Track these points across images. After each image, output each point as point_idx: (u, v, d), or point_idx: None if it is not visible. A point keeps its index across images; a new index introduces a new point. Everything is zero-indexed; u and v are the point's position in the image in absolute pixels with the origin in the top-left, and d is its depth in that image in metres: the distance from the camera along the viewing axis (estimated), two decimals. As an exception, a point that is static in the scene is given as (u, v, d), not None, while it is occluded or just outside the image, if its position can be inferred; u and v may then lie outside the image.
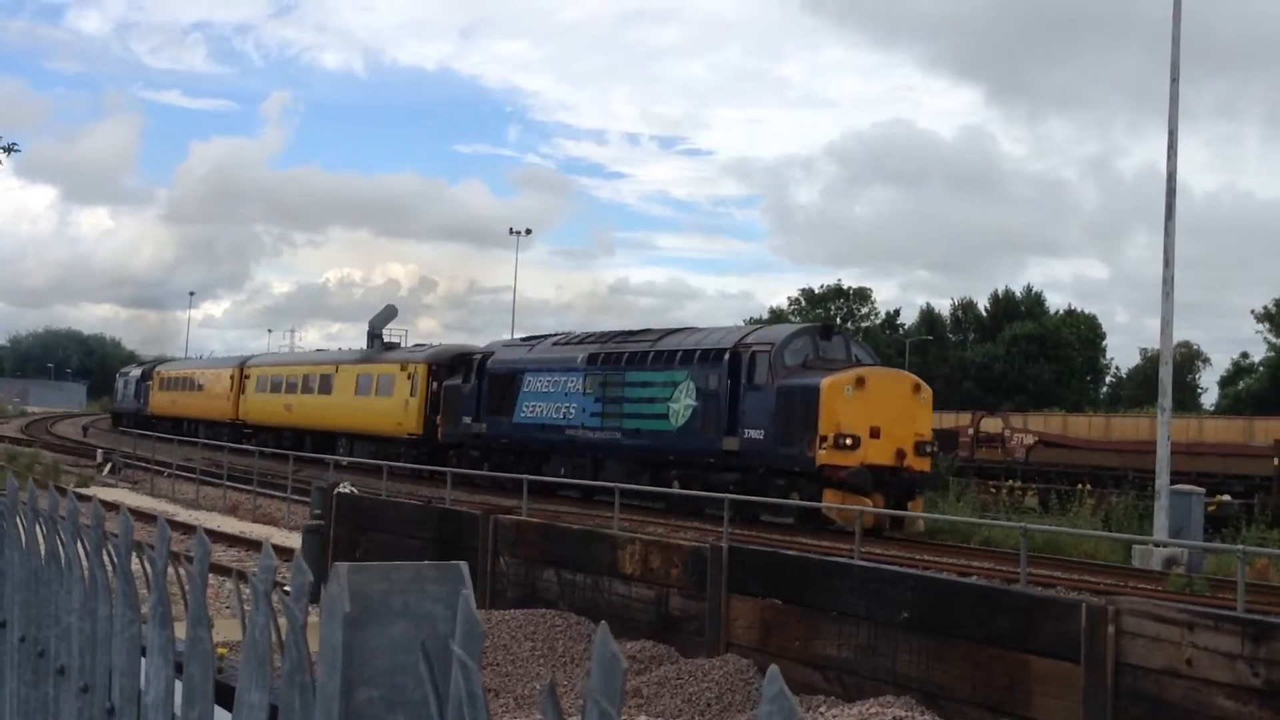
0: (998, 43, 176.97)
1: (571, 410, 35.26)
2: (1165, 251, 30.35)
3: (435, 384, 43.22)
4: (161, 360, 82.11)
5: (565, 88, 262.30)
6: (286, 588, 2.59)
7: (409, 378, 44.57)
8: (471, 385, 39.84)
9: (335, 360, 53.04)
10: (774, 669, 1.39)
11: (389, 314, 58.81)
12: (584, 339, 37.63)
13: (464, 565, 1.91)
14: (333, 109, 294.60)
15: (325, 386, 50.86)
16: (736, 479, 28.98)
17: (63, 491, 3.29)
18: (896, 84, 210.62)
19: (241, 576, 2.66)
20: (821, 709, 10.12)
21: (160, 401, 71.40)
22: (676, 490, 29.49)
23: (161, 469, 40.32)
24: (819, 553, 16.87)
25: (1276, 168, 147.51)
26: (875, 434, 27.68)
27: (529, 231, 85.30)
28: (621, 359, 34.13)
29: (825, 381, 28.06)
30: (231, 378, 60.62)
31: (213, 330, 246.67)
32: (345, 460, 38.24)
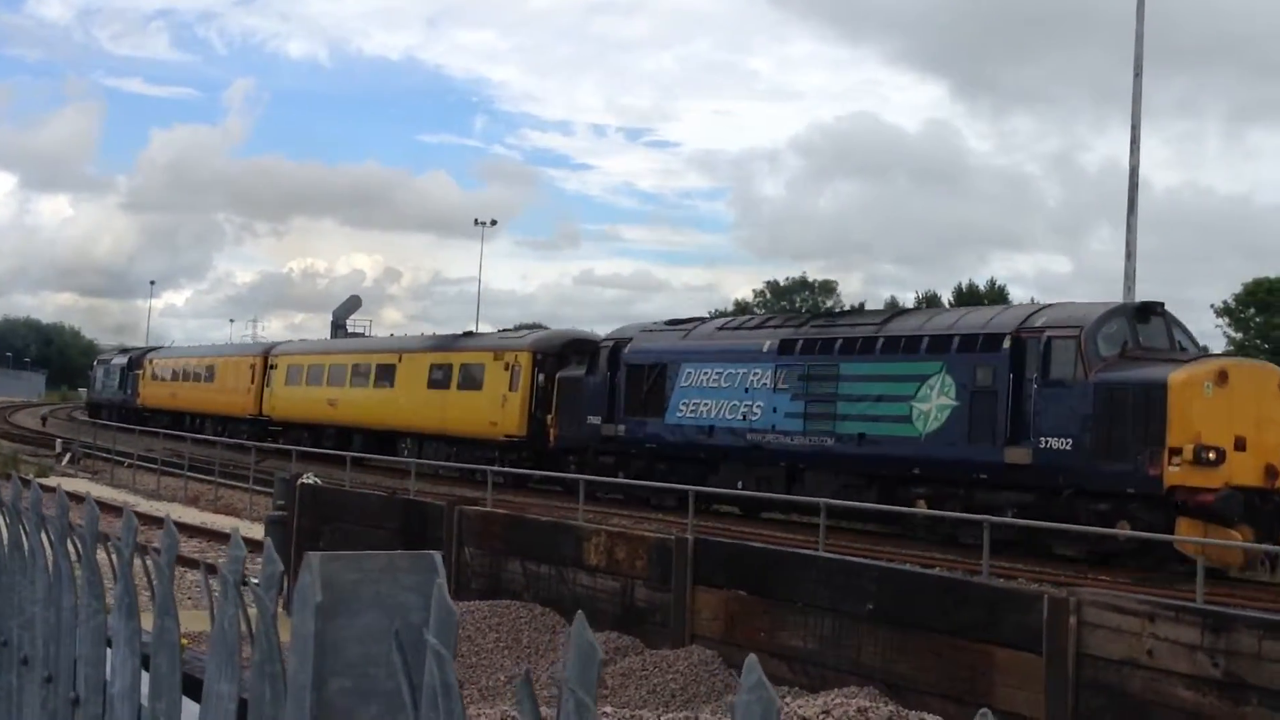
0: (962, 38, 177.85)
1: (756, 410, 28.36)
2: (1127, 245, 30.65)
3: (541, 376, 36.02)
4: (155, 347, 72.59)
5: (532, 78, 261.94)
6: (253, 579, 2.57)
7: (507, 369, 36.92)
8: (600, 378, 32.80)
9: (397, 347, 44.90)
10: (752, 658, 1.38)
11: (353, 304, 58.64)
12: (765, 322, 31.35)
13: (437, 555, 1.89)
14: (297, 98, 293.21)
15: (384, 378, 43.14)
16: (1026, 500, 23.10)
17: (26, 482, 3.26)
18: (864, 78, 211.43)
19: (210, 568, 2.64)
20: (786, 699, 10.15)
21: (155, 393, 64.12)
22: (947, 514, 22.90)
23: (122, 459, 40.04)
24: (782, 544, 16.91)
25: (1236, 164, 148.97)
26: (1240, 445, 21.81)
27: (494, 222, 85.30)
28: (833, 346, 27.24)
29: (1176, 376, 21.79)
30: (252, 368, 52.68)
31: (174, 320, 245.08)
32: (415, 463, 32.31)
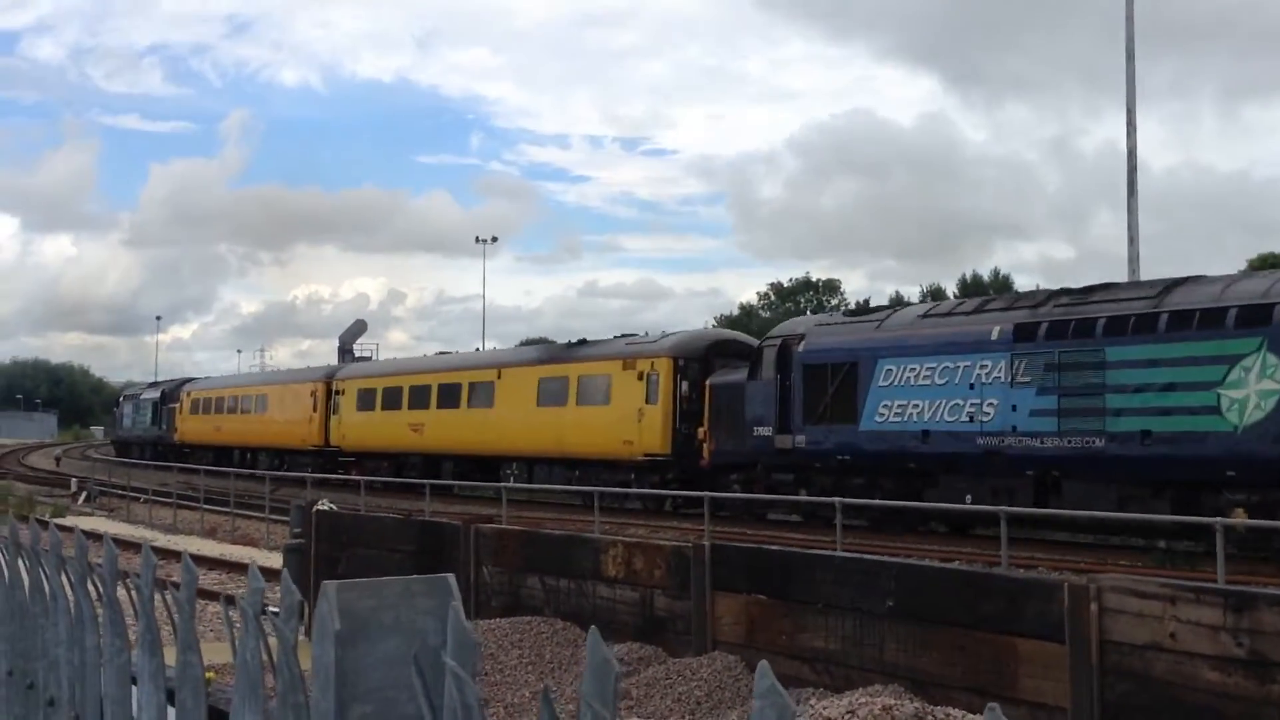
0: (949, 30, 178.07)
1: (988, 409, 24.07)
2: (1129, 229, 30.63)
3: (685, 384, 31.69)
4: (189, 379, 68.12)
5: (526, 94, 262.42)
6: (273, 608, 2.59)
7: (641, 378, 32.09)
8: (766, 383, 28.08)
9: (494, 363, 40.13)
10: (764, 664, 1.41)
11: (359, 328, 58.76)
12: (984, 305, 26.21)
13: (451, 577, 1.92)
14: (292, 125, 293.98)
15: (480, 397, 38.49)
16: None
17: (44, 524, 3.29)
18: (856, 75, 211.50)
19: (229, 600, 2.68)
20: (810, 701, 10.16)
21: (195, 427, 59.78)
22: None
23: (137, 495, 40.11)
24: (800, 546, 16.91)
25: (1233, 140, 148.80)
26: None
27: (495, 239, 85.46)
28: (1093, 328, 22.63)
29: None
30: (314, 395, 48.06)
31: (182, 353, 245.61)
32: (517, 487, 29.97)
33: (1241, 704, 9.20)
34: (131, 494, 40.90)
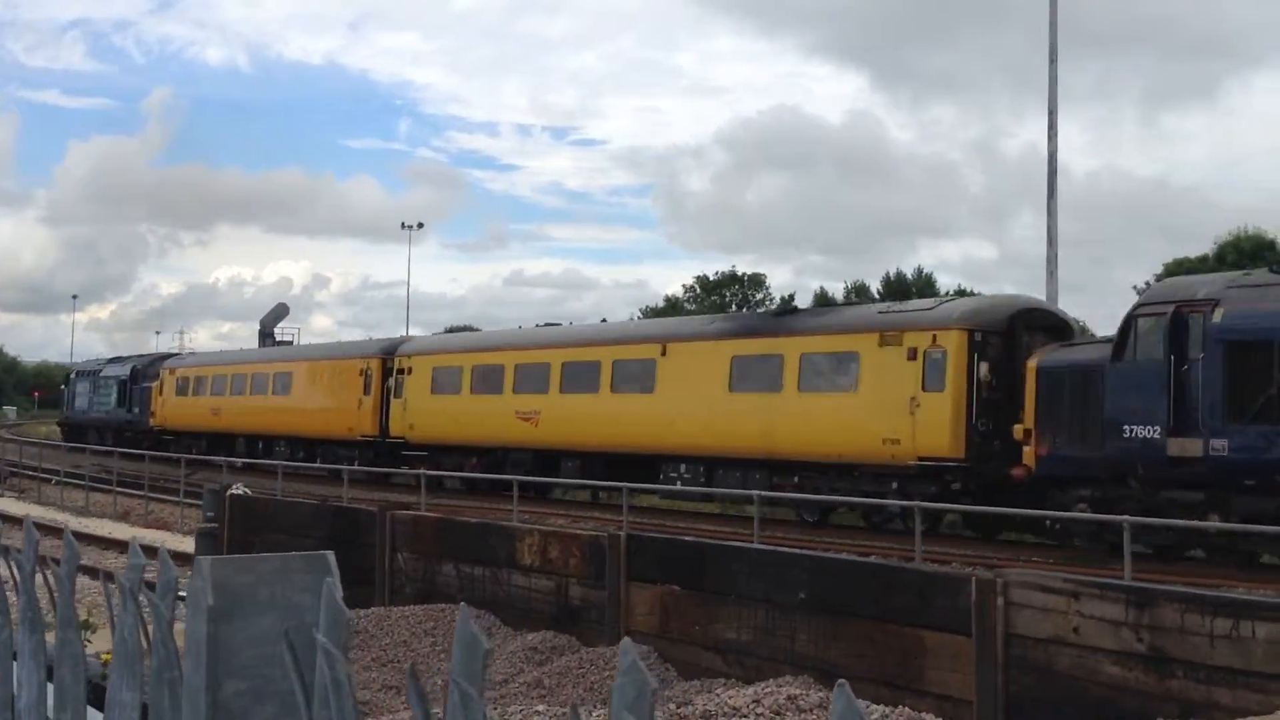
0: (876, 28, 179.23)
1: None
2: (1049, 231, 31.03)
3: (984, 366, 24.07)
4: (169, 354, 58.54)
5: (456, 80, 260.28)
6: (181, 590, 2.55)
7: (914, 357, 24.30)
8: (1149, 364, 20.33)
9: (655, 335, 31.09)
10: (626, 641, 1.42)
11: (281, 312, 57.93)
12: None
13: (330, 555, 1.91)
14: (217, 105, 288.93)
15: (632, 379, 30.04)
16: None
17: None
18: (785, 71, 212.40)
19: (109, 577, 2.64)
20: (718, 691, 10.22)
21: (180, 411, 49.63)
22: None
23: (49, 476, 39.43)
24: (716, 538, 16.99)
25: (1152, 146, 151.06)
26: None
27: (421, 226, 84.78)
28: None
29: None
30: (364, 374, 38.38)
31: (99, 334, 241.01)
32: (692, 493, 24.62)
33: (1140, 698, 9.39)
34: (43, 475, 40.19)
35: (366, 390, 38.23)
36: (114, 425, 55.51)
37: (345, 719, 1.67)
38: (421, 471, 28.50)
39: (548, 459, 31.58)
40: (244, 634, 1.85)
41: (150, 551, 2.22)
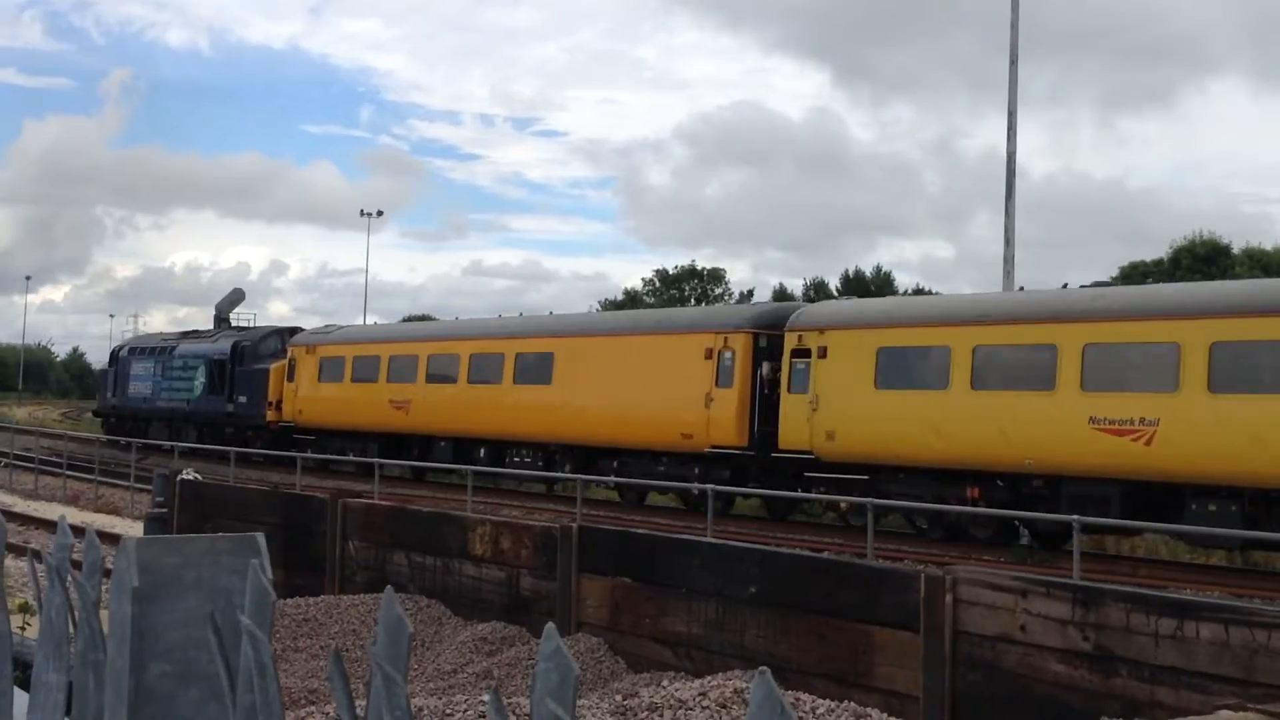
0: (838, 25, 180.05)
1: None
2: (1006, 231, 31.23)
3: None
4: (294, 329, 42.24)
5: (419, 68, 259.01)
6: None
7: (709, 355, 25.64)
8: None
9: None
10: (550, 627, 1.40)
11: (236, 297, 57.25)
12: None
13: (260, 536, 1.89)
14: (176, 88, 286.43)
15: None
16: None
17: None
18: (748, 66, 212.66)
19: (36, 556, 2.61)
20: (665, 683, 10.22)
21: (331, 402, 36.50)
22: None
23: (-2, 459, 39.00)
24: (670, 531, 16.99)
25: (1109, 149, 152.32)
26: None
27: (380, 214, 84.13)
28: None
29: None
30: (713, 354, 26.19)
31: (52, 315, 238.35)
32: None
33: (1085, 696, 9.47)
34: (-9, 458, 39.71)
35: (718, 380, 25.93)
36: (203, 419, 42.37)
37: (269, 702, 1.65)
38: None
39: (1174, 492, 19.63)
40: (169, 616, 1.82)
41: (80, 532, 2.20)
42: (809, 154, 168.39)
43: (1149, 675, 9.21)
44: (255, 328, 45.43)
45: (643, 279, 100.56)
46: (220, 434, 40.50)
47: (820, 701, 9.56)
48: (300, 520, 16.10)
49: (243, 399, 40.33)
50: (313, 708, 9.70)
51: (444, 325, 40.46)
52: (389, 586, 1.50)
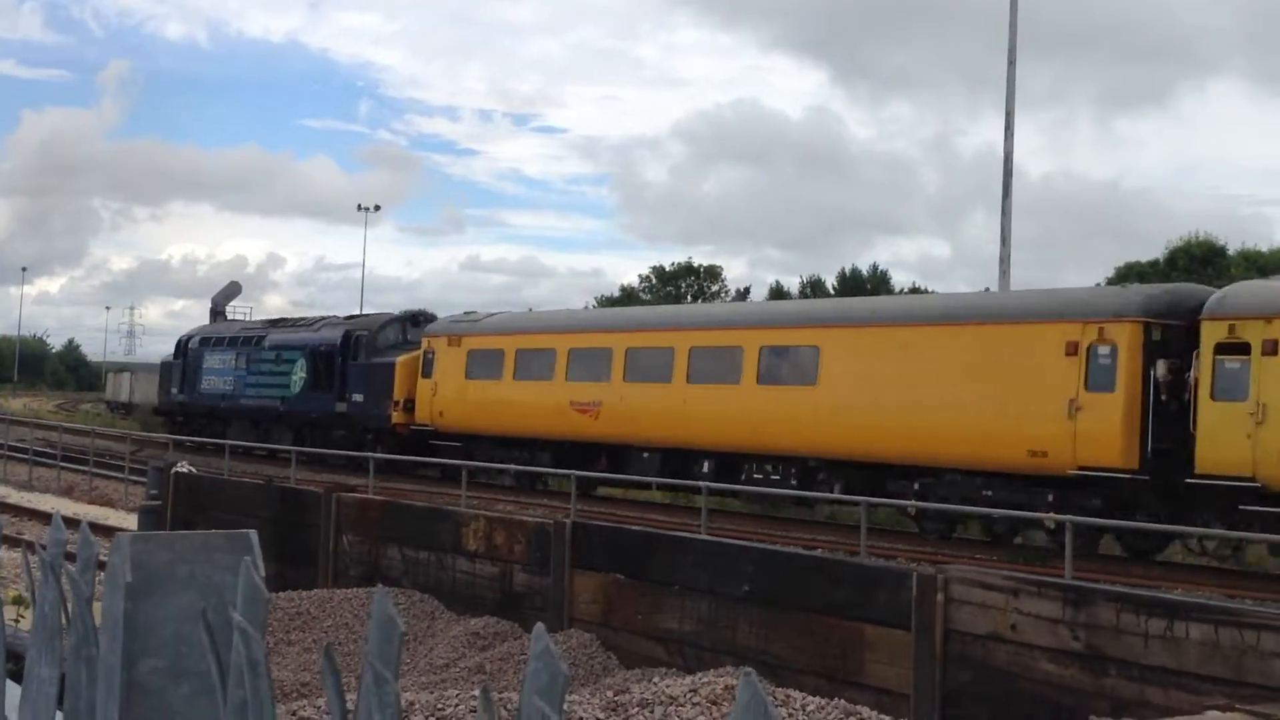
0: (837, 23, 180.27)
1: None
2: (1002, 230, 31.26)
3: None
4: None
5: (418, 63, 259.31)
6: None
7: None
8: None
9: None
10: (539, 627, 1.42)
11: (233, 290, 57.18)
12: None
13: (253, 533, 1.90)
14: (175, 81, 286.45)
15: None
16: None
17: None
18: (749, 64, 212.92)
19: (30, 548, 2.62)
20: (656, 680, 10.25)
21: (486, 403, 30.42)
22: None
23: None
24: (663, 527, 17.03)
25: (1106, 150, 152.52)
26: None
27: (378, 208, 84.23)
28: None
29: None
30: (1080, 350, 20.54)
31: (48, 307, 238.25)
32: None
33: (1075, 695, 9.50)
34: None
35: (1098, 381, 20.36)
36: (302, 419, 36.38)
37: (260, 699, 1.66)
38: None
39: None
40: (162, 611, 1.84)
41: (75, 525, 2.22)
42: (807, 152, 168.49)
43: (1138, 675, 9.24)
44: (370, 315, 40.19)
45: (639, 275, 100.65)
46: (326, 437, 34.42)
47: (811, 699, 9.59)
48: (294, 514, 16.11)
49: (358, 397, 33.95)
50: (304, 700, 9.72)
51: (652, 313, 35.57)
52: (380, 584, 1.51)
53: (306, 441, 33.82)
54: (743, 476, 24.94)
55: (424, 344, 32.62)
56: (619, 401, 27.09)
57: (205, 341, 42.07)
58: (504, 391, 29.70)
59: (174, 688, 1.83)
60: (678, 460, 26.05)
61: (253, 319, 42.20)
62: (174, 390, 42.86)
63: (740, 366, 25.37)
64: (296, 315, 44.18)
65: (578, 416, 27.57)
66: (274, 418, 37.52)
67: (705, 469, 25.18)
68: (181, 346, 43.59)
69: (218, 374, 40.48)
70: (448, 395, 31.04)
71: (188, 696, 1.82)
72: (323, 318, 40.42)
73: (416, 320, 35.45)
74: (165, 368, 45.42)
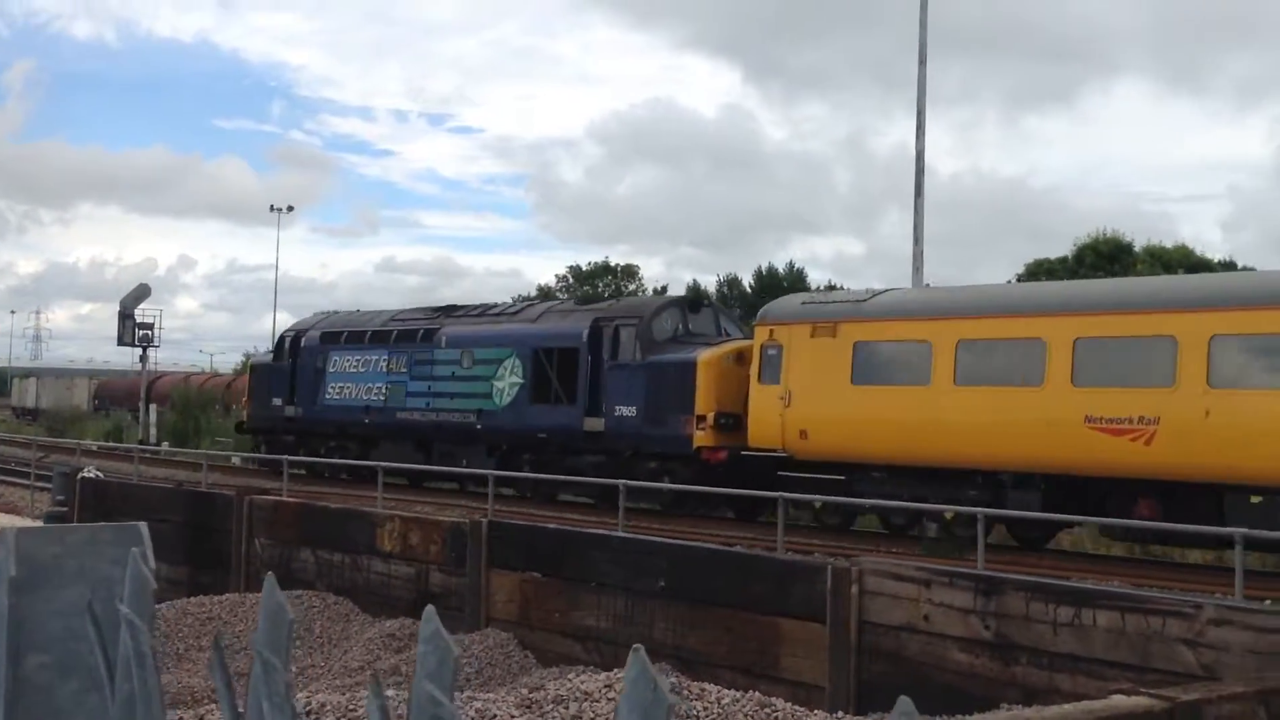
0: (749, 23, 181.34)
1: None
2: (915, 229, 31.56)
3: None
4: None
5: (333, 62, 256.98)
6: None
7: None
8: None
9: None
10: (430, 609, 1.41)
11: (142, 293, 56.08)
12: None
13: (143, 525, 1.87)
14: (81, 80, 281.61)
15: None
16: None
17: None
18: (663, 64, 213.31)
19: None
20: (570, 677, 10.24)
21: (916, 423, 19.20)
22: None
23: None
24: (579, 525, 16.97)
25: (1014, 148, 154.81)
26: None
27: (291, 209, 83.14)
28: None
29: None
30: None
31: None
32: None
33: (986, 684, 9.62)
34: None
35: None
36: (523, 441, 25.53)
37: (148, 691, 1.63)
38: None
39: None
40: (49, 606, 1.80)
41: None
42: (721, 152, 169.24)
43: (1047, 663, 9.39)
44: (634, 299, 32.86)
45: (556, 275, 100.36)
46: (560, 463, 24.69)
47: (726, 692, 9.63)
48: (205, 518, 15.88)
49: (626, 410, 23.99)
50: (213, 705, 9.58)
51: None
52: (270, 574, 1.50)
53: (515, 467, 25.21)
54: None
55: (761, 335, 22.49)
56: (1199, 418, 16.55)
57: (331, 338, 30.89)
58: (934, 401, 19.86)
59: (62, 684, 1.80)
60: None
61: (406, 308, 31.01)
62: (277, 401, 31.74)
63: None
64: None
65: (1099, 438, 17.87)
66: (467, 438, 27.07)
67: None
68: (288, 345, 32.20)
69: (353, 380, 30.07)
70: (816, 408, 21.46)
71: (76, 693, 1.79)
72: (532, 300, 32.45)
73: (696, 305, 26.43)
74: (258, 374, 33.98)
